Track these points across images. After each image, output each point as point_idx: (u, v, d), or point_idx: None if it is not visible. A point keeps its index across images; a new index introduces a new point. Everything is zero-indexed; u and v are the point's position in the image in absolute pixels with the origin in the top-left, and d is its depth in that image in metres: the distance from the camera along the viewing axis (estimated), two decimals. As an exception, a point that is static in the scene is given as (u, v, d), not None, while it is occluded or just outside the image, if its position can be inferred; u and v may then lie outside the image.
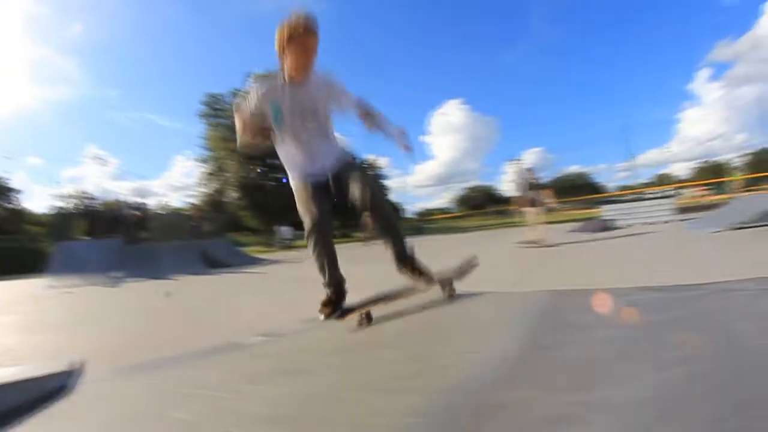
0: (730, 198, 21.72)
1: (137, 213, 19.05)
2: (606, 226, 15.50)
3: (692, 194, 35.29)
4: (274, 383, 1.75)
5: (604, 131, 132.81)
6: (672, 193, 28.46)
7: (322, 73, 2.82)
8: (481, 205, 63.14)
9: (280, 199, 41.44)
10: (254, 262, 17.24)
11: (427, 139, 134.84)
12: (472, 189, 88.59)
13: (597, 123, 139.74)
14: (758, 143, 72.40)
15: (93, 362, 2.45)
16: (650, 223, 16.00)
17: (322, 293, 3.00)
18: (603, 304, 1.98)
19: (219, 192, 45.47)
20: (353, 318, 2.65)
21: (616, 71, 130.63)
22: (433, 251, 9.39)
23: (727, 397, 0.97)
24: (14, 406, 1.82)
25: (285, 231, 31.55)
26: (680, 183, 51.41)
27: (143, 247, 16.10)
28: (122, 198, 21.27)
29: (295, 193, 2.95)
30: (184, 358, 2.60)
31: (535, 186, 11.90)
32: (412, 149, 2.94)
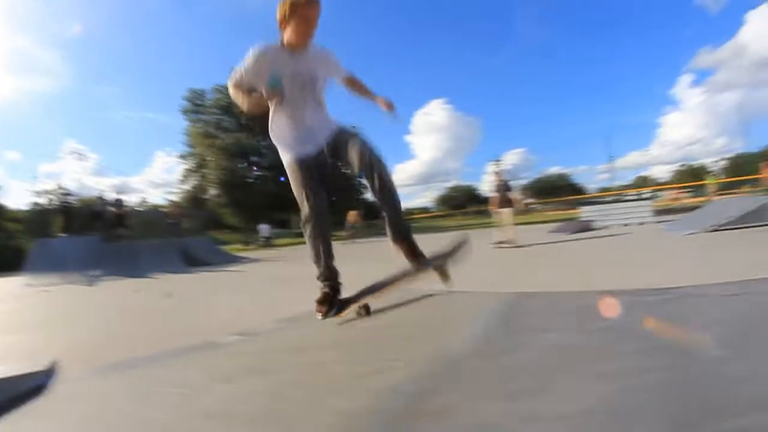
0: (706, 201, 22.19)
1: (115, 210, 18.77)
2: (584, 227, 15.74)
3: (670, 197, 35.87)
4: (242, 382, 1.80)
5: (586, 133, 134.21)
6: (650, 195, 28.94)
7: (318, 46, 2.83)
8: (462, 205, 63.35)
9: (261, 197, 41.28)
10: (233, 260, 17.12)
11: (409, 138, 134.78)
12: (453, 189, 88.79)
13: (579, 125, 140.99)
14: (736, 148, 74.17)
15: (69, 362, 2.47)
16: (627, 225, 16.30)
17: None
18: (562, 308, 2.02)
19: (199, 189, 45.07)
20: (350, 311, 2.68)
21: (600, 74, 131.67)
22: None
23: (665, 414, 0.96)
24: (-11, 406, 1.82)
25: (264, 229, 31.36)
26: (659, 185, 52.33)
27: (122, 245, 15.90)
28: (101, 194, 20.86)
29: (290, 175, 2.84)
30: (159, 357, 2.62)
31: (507, 188, 12.13)
32: (396, 112, 2.96)
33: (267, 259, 17.21)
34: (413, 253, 2.75)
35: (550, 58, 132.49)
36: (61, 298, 9.17)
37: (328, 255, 2.87)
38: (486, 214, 13.41)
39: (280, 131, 2.84)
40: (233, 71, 2.74)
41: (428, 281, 2.69)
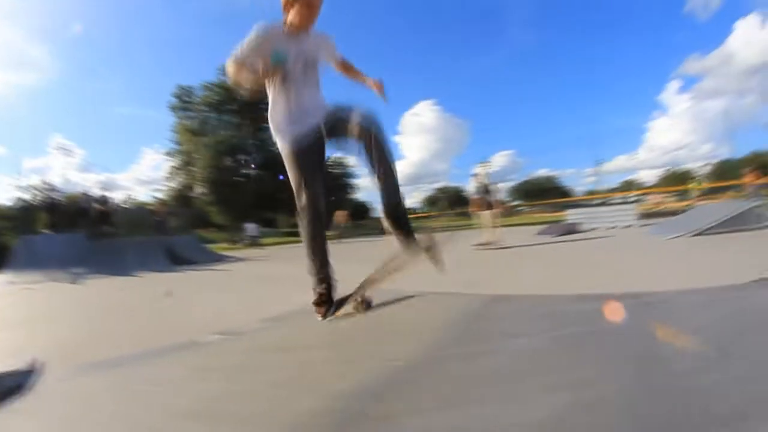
0: (690, 205, 22.49)
1: (101, 207, 18.59)
2: (570, 230, 15.90)
3: (655, 200, 36.28)
4: (218, 381, 1.84)
5: (574, 137, 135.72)
6: (635, 198, 29.28)
7: (317, 30, 2.88)
8: (449, 206, 63.51)
9: (248, 196, 41.06)
10: (219, 259, 17.00)
11: (397, 138, 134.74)
12: (441, 190, 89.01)
13: (567, 128, 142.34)
14: (722, 154, 75.37)
15: (51, 361, 2.48)
16: (612, 228, 16.50)
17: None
18: (535, 312, 2.03)
19: (186, 187, 44.74)
20: (348, 307, 2.72)
21: (588, 79, 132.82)
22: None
23: (619, 429, 0.95)
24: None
25: (251, 228, 31.21)
26: (644, 189, 52.86)
27: (107, 243, 15.76)
28: (87, 191, 20.64)
29: (287, 162, 2.83)
30: (142, 356, 2.63)
31: (488, 190, 12.25)
32: (384, 95, 2.98)
33: (253, 259, 17.16)
34: (403, 229, 2.68)
35: (539, 61, 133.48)
36: (45, 296, 9.08)
37: (324, 250, 2.87)
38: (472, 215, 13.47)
39: (281, 112, 2.82)
40: (235, 48, 2.70)
41: (416, 267, 2.60)
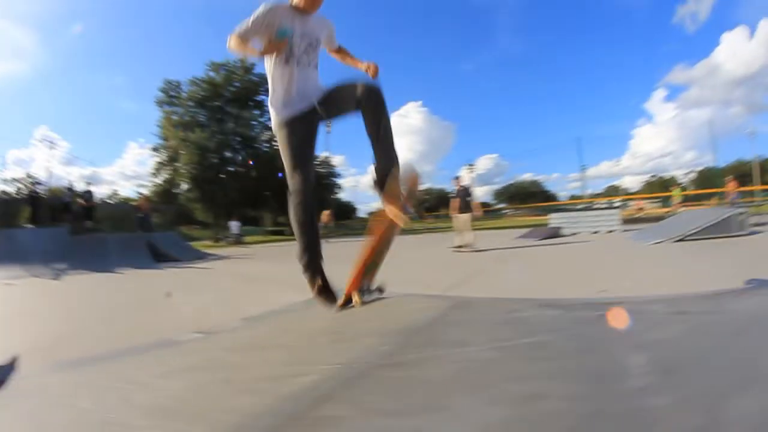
0: (672, 211, 22.85)
1: (84, 202, 18.42)
2: (552, 233, 16.09)
3: (637, 206, 36.79)
4: (182, 379, 1.89)
5: (559, 141, 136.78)
6: (618, 204, 29.66)
7: (320, 14, 2.92)
8: (434, 208, 63.70)
9: (233, 193, 40.84)
10: (202, 256, 16.94)
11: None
12: (426, 192, 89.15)
13: (553, 133, 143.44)
14: (705, 162, 76.62)
15: (27, 357, 2.51)
16: (595, 232, 16.73)
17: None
18: (495, 318, 2.04)
19: (170, 183, 44.39)
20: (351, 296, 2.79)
21: (575, 85, 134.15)
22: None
23: None
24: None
25: (235, 226, 31.13)
26: (627, 195, 53.59)
27: (89, 238, 15.63)
28: (70, 185, 20.44)
29: (280, 140, 2.86)
30: (117, 354, 2.64)
31: (467, 193, 12.48)
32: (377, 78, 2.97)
33: (235, 257, 17.19)
34: (382, 183, 2.73)
35: (528, 66, 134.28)
36: (24, 292, 9.00)
37: (316, 236, 2.94)
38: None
39: (282, 90, 2.82)
40: (240, 23, 2.72)
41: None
